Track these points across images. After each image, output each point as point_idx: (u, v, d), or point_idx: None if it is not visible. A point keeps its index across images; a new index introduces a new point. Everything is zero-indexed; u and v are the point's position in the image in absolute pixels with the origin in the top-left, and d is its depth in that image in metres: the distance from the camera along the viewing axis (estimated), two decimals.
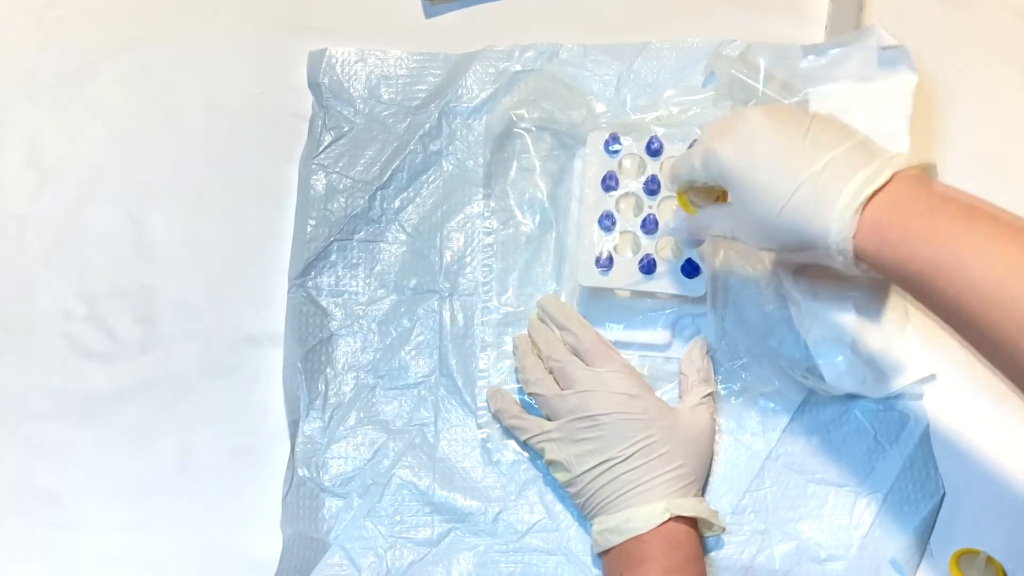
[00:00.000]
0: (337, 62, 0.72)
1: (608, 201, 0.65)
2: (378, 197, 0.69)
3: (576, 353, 0.62)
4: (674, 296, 0.64)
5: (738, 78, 0.67)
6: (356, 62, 0.72)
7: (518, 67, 0.71)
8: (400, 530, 0.63)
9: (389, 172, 0.69)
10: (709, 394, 0.62)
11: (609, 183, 0.65)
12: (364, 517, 0.63)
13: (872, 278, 0.51)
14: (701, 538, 0.60)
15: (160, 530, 0.64)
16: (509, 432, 0.64)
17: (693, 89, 0.69)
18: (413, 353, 0.66)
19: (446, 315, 0.67)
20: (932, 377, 0.64)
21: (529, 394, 0.63)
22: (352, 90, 0.71)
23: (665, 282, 0.63)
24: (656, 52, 0.71)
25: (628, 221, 0.64)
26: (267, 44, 0.75)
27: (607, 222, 0.64)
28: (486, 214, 0.69)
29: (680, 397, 0.63)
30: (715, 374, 0.64)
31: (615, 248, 0.64)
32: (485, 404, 0.65)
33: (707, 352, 0.64)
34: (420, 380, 0.66)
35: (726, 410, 0.64)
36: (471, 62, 0.71)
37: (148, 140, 0.73)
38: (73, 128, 0.73)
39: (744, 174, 0.52)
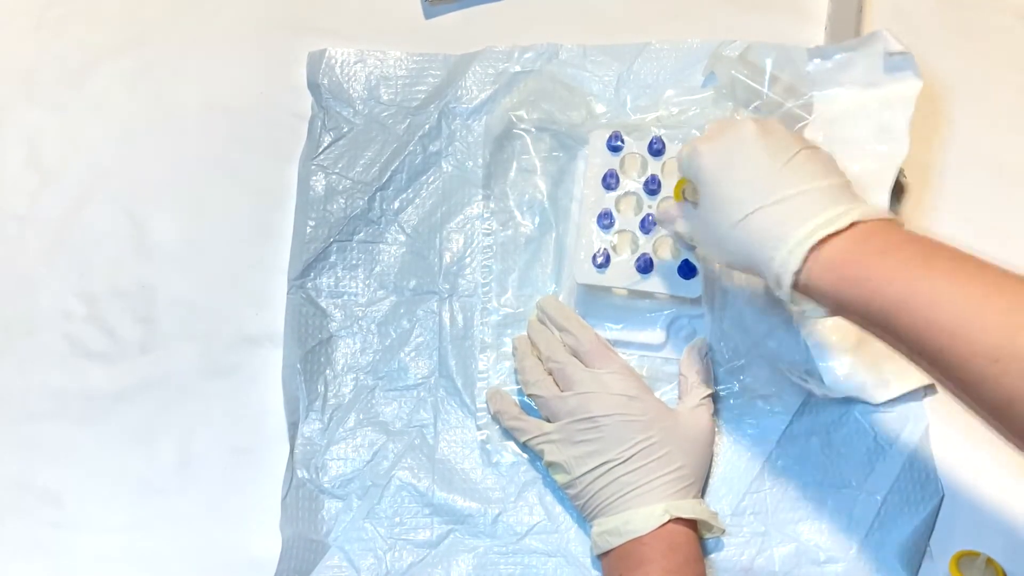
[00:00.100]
0: (337, 63, 0.72)
1: (608, 200, 0.65)
2: (377, 198, 0.69)
3: (575, 354, 0.62)
4: (670, 296, 0.64)
5: (740, 79, 0.67)
6: (356, 63, 0.72)
7: (518, 68, 0.71)
8: (399, 532, 0.63)
9: (388, 173, 0.69)
10: (708, 395, 0.62)
11: (610, 181, 0.65)
12: (363, 518, 0.63)
13: (806, 316, 0.52)
14: (701, 540, 0.60)
15: (160, 530, 0.64)
16: (509, 434, 0.64)
17: (693, 89, 0.69)
18: (413, 354, 0.66)
19: (445, 316, 0.67)
20: (933, 387, 0.64)
21: (528, 395, 0.63)
22: (352, 91, 0.71)
23: (662, 282, 0.63)
24: (656, 52, 0.71)
25: (627, 220, 0.64)
26: (267, 44, 0.75)
27: (606, 221, 0.64)
28: (486, 215, 0.69)
29: (679, 398, 0.63)
30: (714, 376, 0.64)
31: (613, 247, 0.64)
32: (485, 405, 0.65)
33: (706, 353, 0.64)
34: (420, 381, 0.66)
35: (725, 412, 0.64)
36: (471, 63, 0.71)
37: (148, 140, 0.73)
38: (73, 128, 0.73)
39: (716, 179, 0.52)
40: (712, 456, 0.62)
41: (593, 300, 0.66)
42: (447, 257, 0.68)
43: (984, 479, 0.63)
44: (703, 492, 0.62)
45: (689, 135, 0.67)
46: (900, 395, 0.63)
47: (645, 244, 0.64)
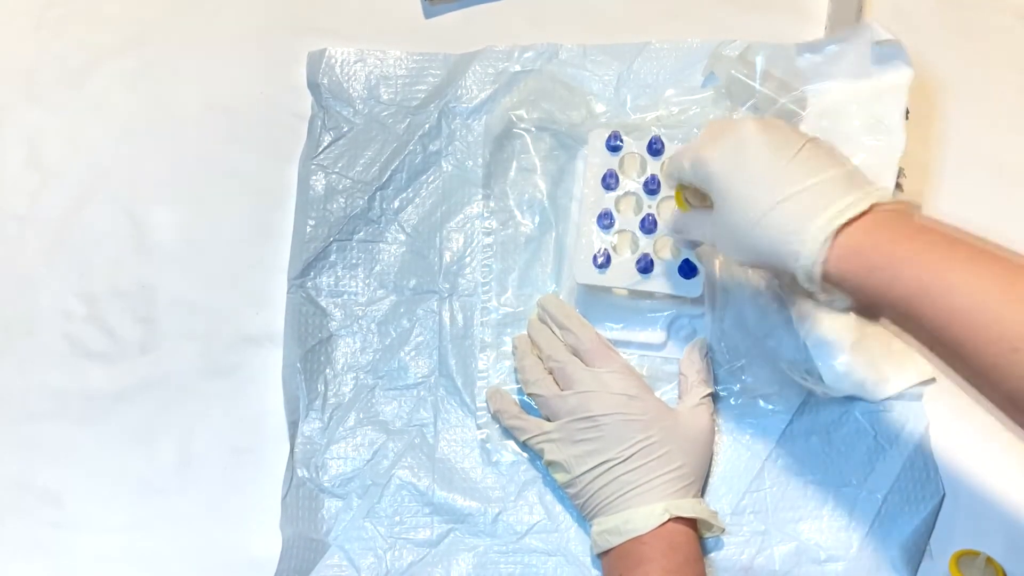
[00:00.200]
0: (336, 62, 0.72)
1: (608, 200, 0.65)
2: (377, 197, 0.69)
3: (576, 353, 0.62)
4: (671, 296, 0.64)
5: (738, 78, 0.67)
6: (355, 62, 0.72)
7: (518, 67, 0.71)
8: (399, 531, 0.63)
9: (388, 172, 0.69)
10: (708, 395, 0.62)
11: (609, 182, 0.65)
12: (363, 518, 0.63)
13: (836, 306, 0.51)
14: (701, 539, 0.60)
15: (160, 530, 0.64)
16: (508, 433, 0.64)
17: (693, 89, 0.69)
18: (412, 354, 0.66)
19: (445, 315, 0.67)
20: (932, 380, 0.64)
21: (528, 394, 0.63)
22: (352, 90, 0.71)
23: (662, 282, 0.63)
24: (656, 52, 0.71)
25: (627, 220, 0.64)
26: (267, 44, 0.75)
27: (606, 221, 0.64)
28: (485, 214, 0.69)
29: (679, 398, 0.63)
30: (714, 375, 0.64)
31: (613, 247, 0.64)
32: (484, 405, 0.65)
33: (706, 353, 0.64)
34: (419, 381, 0.66)
35: (726, 411, 0.64)
36: (471, 62, 0.71)
37: (148, 140, 0.73)
38: (73, 128, 0.73)
39: (727, 182, 0.52)
40: (712, 455, 0.62)
41: (594, 300, 0.66)
42: (447, 256, 0.68)
43: (984, 478, 0.63)
44: (703, 491, 0.62)
45: (689, 134, 0.67)
46: (900, 392, 0.63)
47: (646, 244, 0.64)
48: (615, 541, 0.57)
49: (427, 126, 0.70)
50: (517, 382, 0.65)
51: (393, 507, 0.63)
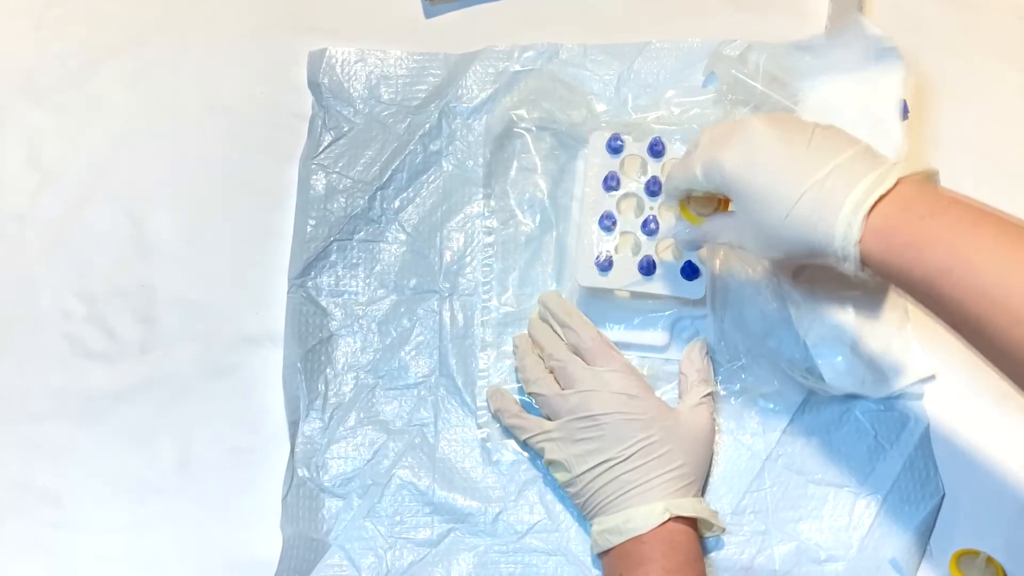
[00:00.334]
0: (337, 62, 0.72)
1: (609, 201, 0.65)
2: (378, 197, 0.69)
3: (577, 351, 0.62)
4: (673, 298, 0.64)
5: (739, 78, 0.67)
6: (356, 62, 0.72)
7: (518, 67, 0.71)
8: (400, 530, 0.63)
9: (389, 172, 0.69)
10: (709, 394, 0.62)
11: (610, 183, 0.65)
12: (364, 517, 0.63)
13: (875, 281, 0.51)
14: (701, 538, 0.60)
15: (160, 530, 0.64)
16: (509, 432, 0.64)
17: (694, 89, 0.69)
18: (413, 353, 0.66)
19: (446, 315, 0.67)
20: (932, 378, 0.64)
21: (529, 393, 0.63)
22: (352, 90, 0.71)
23: (664, 284, 0.63)
24: (656, 52, 0.71)
25: (629, 222, 0.64)
26: (267, 44, 0.75)
27: (607, 222, 0.64)
28: (486, 214, 0.69)
29: (680, 397, 0.63)
30: (715, 374, 0.64)
31: (615, 248, 0.64)
32: (485, 404, 0.65)
33: (707, 352, 0.64)
34: (420, 380, 0.66)
35: (726, 410, 0.64)
36: (471, 62, 0.71)
37: (148, 140, 0.73)
38: (73, 128, 0.73)
39: (748, 183, 0.51)
40: (712, 455, 0.62)
41: (595, 301, 0.66)
42: (447, 256, 0.68)
43: (984, 478, 0.63)
44: (703, 491, 0.62)
45: (691, 134, 0.67)
46: (900, 390, 0.63)
47: (647, 246, 0.64)
48: (615, 540, 0.57)
49: (427, 126, 0.70)
50: (518, 381, 0.65)
51: (393, 507, 0.63)
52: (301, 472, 0.64)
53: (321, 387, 0.66)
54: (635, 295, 0.65)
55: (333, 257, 0.68)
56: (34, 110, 0.74)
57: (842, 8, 0.72)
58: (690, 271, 0.63)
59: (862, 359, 0.62)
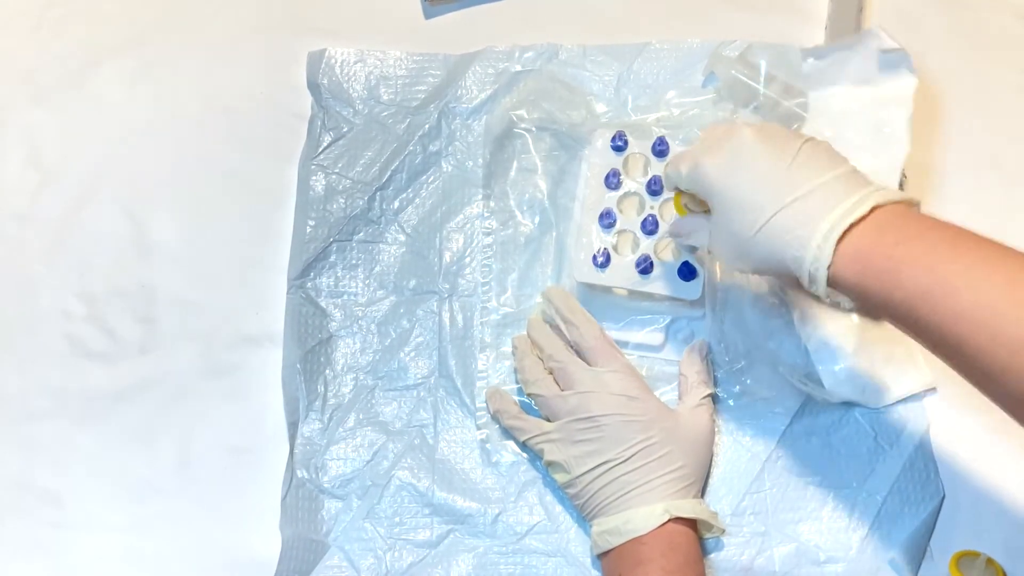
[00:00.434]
0: (336, 62, 0.72)
1: (610, 199, 0.65)
2: (377, 198, 0.69)
3: (578, 349, 0.62)
4: (670, 298, 0.64)
5: (739, 79, 0.67)
6: (355, 63, 0.72)
7: (518, 67, 0.71)
8: (399, 532, 0.63)
9: (388, 173, 0.69)
10: (708, 395, 0.62)
11: (612, 181, 0.65)
12: (363, 518, 0.63)
13: (842, 308, 0.51)
14: (701, 540, 0.60)
15: (160, 530, 0.64)
16: (508, 433, 0.64)
17: (694, 90, 0.69)
18: (412, 354, 0.66)
19: (445, 316, 0.67)
20: (933, 389, 0.64)
21: (528, 395, 0.63)
22: (351, 91, 0.71)
23: (661, 284, 0.63)
24: (656, 52, 0.71)
25: (629, 220, 0.64)
26: (267, 44, 0.75)
27: (607, 220, 0.64)
28: (486, 215, 0.69)
29: (680, 399, 0.63)
30: (714, 376, 0.64)
31: (614, 247, 0.64)
32: (484, 405, 0.65)
33: (706, 354, 0.64)
34: (419, 381, 0.66)
35: (726, 412, 0.64)
36: (471, 63, 0.71)
37: (148, 140, 0.73)
38: (73, 128, 0.73)
39: (726, 189, 0.52)
40: (712, 456, 0.62)
41: (592, 299, 0.66)
42: (447, 257, 0.68)
43: (984, 479, 0.63)
44: (703, 492, 0.62)
45: (691, 135, 0.67)
46: (900, 400, 0.63)
47: (646, 245, 0.64)
48: (615, 541, 0.57)
49: (427, 126, 0.70)
50: (517, 382, 0.65)
51: (393, 508, 0.63)
52: (300, 473, 0.64)
53: (320, 388, 0.66)
54: (632, 294, 0.65)
55: (332, 258, 0.68)
56: (34, 110, 0.74)
57: (842, 8, 0.72)
58: (687, 272, 0.63)
59: (863, 367, 0.62)
